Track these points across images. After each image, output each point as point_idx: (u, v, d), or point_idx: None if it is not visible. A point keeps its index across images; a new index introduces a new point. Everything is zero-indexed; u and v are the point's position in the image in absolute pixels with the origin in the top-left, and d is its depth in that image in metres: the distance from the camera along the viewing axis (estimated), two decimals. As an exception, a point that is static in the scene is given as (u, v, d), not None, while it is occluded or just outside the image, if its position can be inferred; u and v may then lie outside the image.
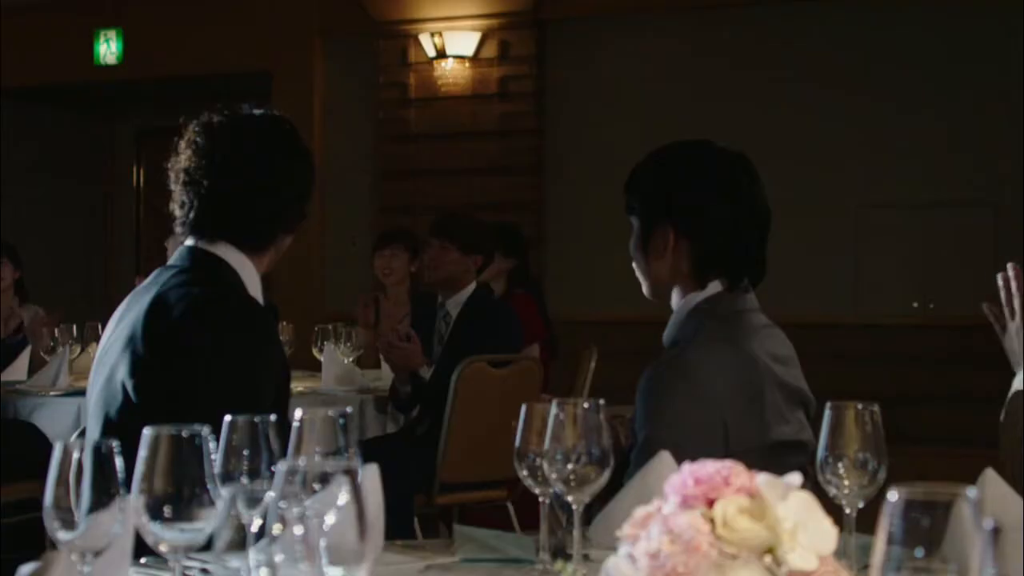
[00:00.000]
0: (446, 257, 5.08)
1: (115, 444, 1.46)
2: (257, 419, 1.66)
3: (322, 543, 1.24)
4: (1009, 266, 2.28)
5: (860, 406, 1.75)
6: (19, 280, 6.29)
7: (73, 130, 11.27)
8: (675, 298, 2.50)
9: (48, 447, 1.46)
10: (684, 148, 2.54)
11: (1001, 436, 2.22)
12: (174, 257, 2.68)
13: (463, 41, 8.68)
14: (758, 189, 2.50)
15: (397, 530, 1.78)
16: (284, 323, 5.37)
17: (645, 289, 2.55)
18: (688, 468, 1.38)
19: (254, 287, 2.65)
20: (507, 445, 1.90)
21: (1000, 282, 2.27)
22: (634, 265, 2.55)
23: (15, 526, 4.67)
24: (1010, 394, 2.24)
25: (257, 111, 2.73)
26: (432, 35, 8.70)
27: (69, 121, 11.17)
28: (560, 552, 1.92)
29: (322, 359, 5.23)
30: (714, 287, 2.46)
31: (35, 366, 5.35)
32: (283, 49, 9.31)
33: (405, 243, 6.24)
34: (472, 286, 5.15)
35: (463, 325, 5.05)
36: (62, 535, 1.44)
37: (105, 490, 1.44)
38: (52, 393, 4.88)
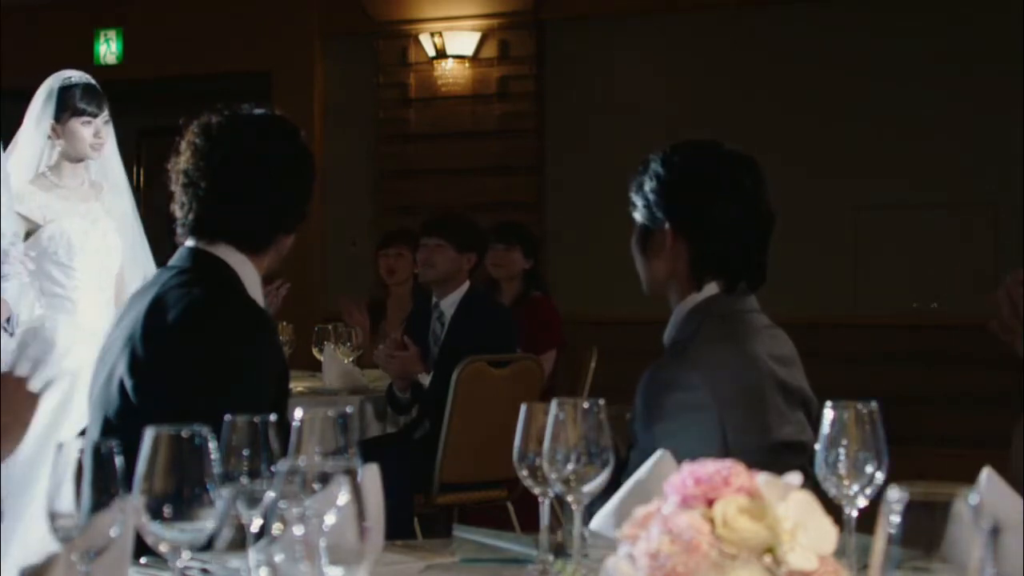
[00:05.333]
0: (442, 255, 5.07)
1: (115, 444, 1.46)
2: (257, 419, 1.66)
3: (322, 543, 1.24)
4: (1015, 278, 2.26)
5: (860, 406, 1.75)
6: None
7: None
8: (672, 298, 2.50)
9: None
10: (690, 149, 2.53)
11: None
12: (174, 258, 2.68)
13: (463, 41, 8.68)
14: (762, 193, 2.50)
15: (397, 530, 1.78)
16: (284, 323, 5.37)
17: (644, 286, 2.55)
18: (688, 468, 1.38)
19: (254, 288, 2.64)
20: (507, 445, 1.90)
21: (1003, 298, 2.25)
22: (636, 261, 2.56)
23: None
24: None
25: (257, 111, 2.72)
26: (432, 35, 8.70)
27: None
28: (560, 552, 1.92)
29: (322, 359, 5.23)
30: (710, 289, 2.46)
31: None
32: (283, 49, 9.30)
33: (409, 243, 6.23)
34: (466, 285, 5.14)
35: (459, 328, 5.03)
36: (62, 535, 1.45)
37: (105, 490, 1.44)
38: (52, 393, 4.88)
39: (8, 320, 3.78)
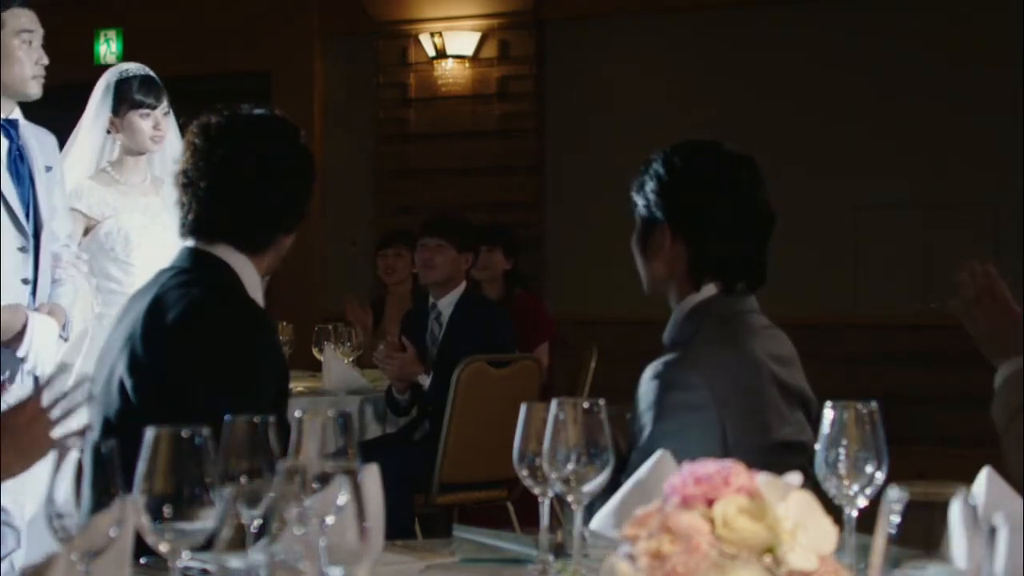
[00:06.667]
0: (444, 256, 5.06)
1: (115, 444, 1.46)
2: (257, 419, 1.66)
3: (322, 543, 1.24)
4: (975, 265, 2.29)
5: (860, 406, 1.75)
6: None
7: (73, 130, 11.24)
8: (672, 298, 2.51)
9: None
10: (690, 149, 2.54)
11: (998, 421, 2.23)
12: (174, 258, 2.68)
13: (463, 41, 8.68)
14: (761, 193, 2.50)
15: (397, 530, 1.78)
16: (284, 323, 5.37)
17: (644, 286, 2.56)
18: (688, 468, 1.38)
19: (254, 288, 2.64)
20: (507, 445, 1.90)
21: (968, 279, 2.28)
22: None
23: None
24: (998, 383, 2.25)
25: (257, 111, 2.72)
26: (432, 35, 8.69)
27: (69, 121, 11.15)
28: (560, 552, 1.92)
29: (322, 359, 5.23)
30: (708, 290, 2.46)
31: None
32: (283, 49, 9.30)
33: (408, 243, 6.24)
34: (463, 285, 5.13)
35: (457, 328, 5.02)
36: (62, 535, 1.45)
37: (105, 490, 1.44)
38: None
39: (63, 326, 3.73)
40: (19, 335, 3.56)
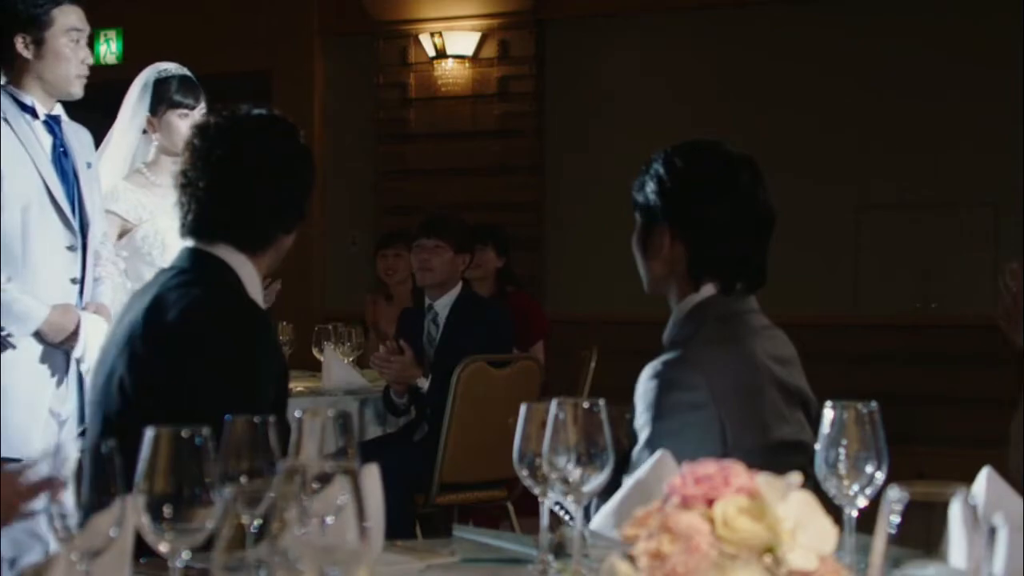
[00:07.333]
0: (442, 257, 5.05)
1: (115, 444, 1.46)
2: (257, 419, 1.66)
3: (322, 543, 1.24)
4: (1012, 268, 2.26)
5: (860, 406, 1.75)
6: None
7: (73, 130, 11.23)
8: (672, 298, 2.51)
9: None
10: (690, 149, 2.54)
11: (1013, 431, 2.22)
12: (174, 258, 2.68)
13: (463, 41, 8.68)
14: (761, 193, 2.50)
15: (397, 530, 1.78)
16: (284, 323, 5.37)
17: (645, 286, 2.56)
18: (688, 468, 1.38)
19: (254, 288, 2.64)
20: (507, 445, 1.90)
21: (1006, 283, 2.26)
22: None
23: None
24: None
25: (256, 111, 2.72)
26: (432, 35, 8.69)
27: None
28: (560, 551, 1.92)
29: (322, 359, 5.22)
30: (708, 290, 2.47)
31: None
32: (283, 49, 9.30)
33: (408, 244, 6.24)
34: (459, 286, 5.12)
35: (455, 328, 5.01)
36: (62, 535, 1.45)
37: (105, 490, 1.44)
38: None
39: None
40: (72, 335, 3.54)
